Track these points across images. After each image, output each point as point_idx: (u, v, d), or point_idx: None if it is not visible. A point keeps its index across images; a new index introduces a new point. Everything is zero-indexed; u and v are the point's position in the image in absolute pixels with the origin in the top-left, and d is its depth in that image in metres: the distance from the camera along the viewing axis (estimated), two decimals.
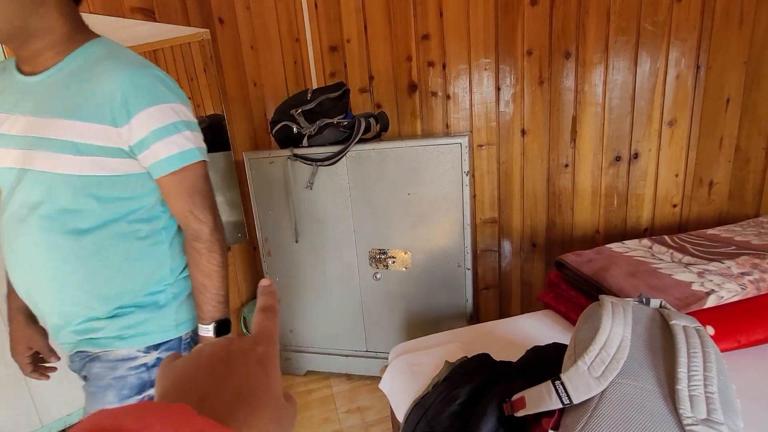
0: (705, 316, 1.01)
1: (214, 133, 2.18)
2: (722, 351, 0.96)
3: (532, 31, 1.86)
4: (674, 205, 1.88)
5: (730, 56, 1.67)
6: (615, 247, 1.36)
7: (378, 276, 1.70)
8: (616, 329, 0.70)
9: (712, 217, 1.83)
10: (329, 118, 1.58)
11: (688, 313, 0.94)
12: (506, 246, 2.15)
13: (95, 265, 0.75)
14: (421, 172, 1.53)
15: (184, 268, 0.87)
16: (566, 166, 1.97)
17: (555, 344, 0.98)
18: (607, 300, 0.77)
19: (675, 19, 1.71)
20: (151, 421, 0.17)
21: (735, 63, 1.67)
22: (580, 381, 0.68)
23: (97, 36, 0.78)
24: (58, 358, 0.93)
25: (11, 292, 0.86)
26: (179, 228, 0.87)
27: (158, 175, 0.76)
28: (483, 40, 1.92)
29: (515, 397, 0.74)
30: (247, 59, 2.11)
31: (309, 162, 1.60)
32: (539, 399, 0.70)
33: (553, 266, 2.05)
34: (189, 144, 0.77)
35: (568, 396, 0.67)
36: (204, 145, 0.82)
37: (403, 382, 1.09)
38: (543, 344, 1.01)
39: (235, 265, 2.20)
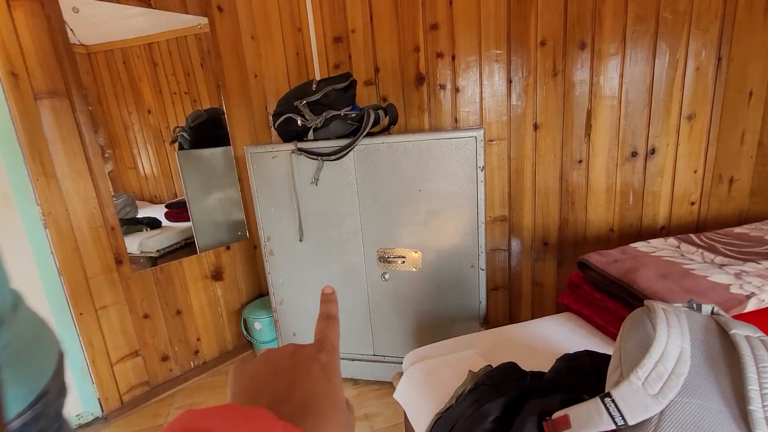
0: (745, 321, 0.93)
1: (213, 128, 2.08)
2: None
3: (546, 21, 1.78)
4: (692, 203, 1.81)
5: (754, 47, 1.60)
6: (640, 246, 1.28)
7: (386, 277, 1.62)
8: (674, 340, 0.63)
9: (732, 215, 1.76)
10: (335, 110, 1.49)
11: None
12: (516, 245, 2.07)
13: None
14: (433, 168, 1.45)
15: None
16: (580, 161, 1.89)
17: (588, 353, 0.90)
18: (657, 306, 0.70)
19: (696, 8, 1.64)
20: (238, 423, 0.18)
21: (759, 54, 1.60)
22: (635, 399, 0.60)
23: None
24: None
25: None
26: None
27: None
28: (494, 30, 1.84)
29: (557, 415, 0.66)
30: (247, 50, 2.02)
31: (314, 156, 1.52)
32: (587, 418, 0.62)
33: (566, 266, 1.98)
34: None
35: (621, 416, 0.59)
36: None
37: (421, 392, 1.01)
38: (572, 352, 0.94)
39: (235, 264, 2.11)
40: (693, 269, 1.09)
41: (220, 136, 2.08)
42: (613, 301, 1.12)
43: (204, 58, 2.00)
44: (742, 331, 0.65)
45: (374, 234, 1.58)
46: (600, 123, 1.83)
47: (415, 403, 1.01)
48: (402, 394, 1.07)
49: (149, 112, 1.95)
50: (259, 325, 2.00)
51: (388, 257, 1.59)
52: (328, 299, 0.35)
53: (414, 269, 1.58)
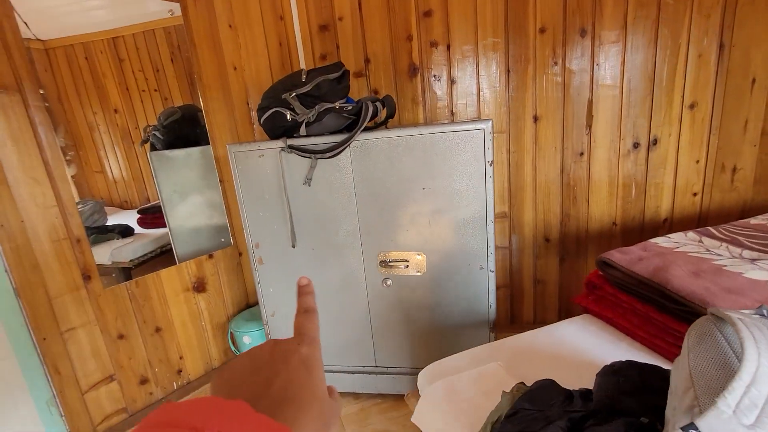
0: None
1: (189, 126, 1.91)
2: None
3: (546, 6, 1.70)
4: (694, 194, 1.78)
5: (757, 33, 1.56)
6: (661, 242, 1.21)
7: (388, 282, 1.50)
8: (766, 358, 0.54)
9: (735, 205, 1.74)
10: (329, 102, 1.35)
11: None
12: (517, 242, 2.00)
13: None
14: (438, 164, 1.34)
15: None
16: (581, 154, 1.83)
17: (632, 364, 0.81)
18: (732, 315, 0.61)
19: None
20: (212, 414, 0.18)
21: (761, 40, 1.56)
22: (726, 430, 0.51)
23: None
24: None
25: None
26: None
27: None
28: (491, 17, 1.75)
29: None
30: (225, 40, 1.85)
31: (306, 154, 1.38)
32: None
33: (568, 263, 1.90)
34: None
35: None
36: None
37: (444, 416, 0.90)
38: (610, 363, 0.85)
39: (219, 274, 1.95)
40: (724, 265, 1.02)
41: (197, 134, 1.91)
42: (643, 304, 1.05)
43: (174, 53, 1.83)
44: None
45: (374, 237, 1.46)
46: (601, 114, 1.76)
47: (440, 428, 0.90)
48: (422, 416, 0.96)
49: (116, 111, 1.78)
50: (249, 338, 1.84)
51: (389, 261, 1.48)
52: (304, 291, 0.35)
53: (418, 273, 1.47)
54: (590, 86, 1.74)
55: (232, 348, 1.96)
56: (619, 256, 1.14)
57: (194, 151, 1.92)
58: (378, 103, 1.37)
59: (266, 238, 1.55)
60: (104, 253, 1.68)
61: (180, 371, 1.83)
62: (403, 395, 1.61)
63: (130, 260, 1.77)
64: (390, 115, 1.45)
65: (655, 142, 1.75)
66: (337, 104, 1.34)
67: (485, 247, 1.39)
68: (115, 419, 1.63)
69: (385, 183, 1.39)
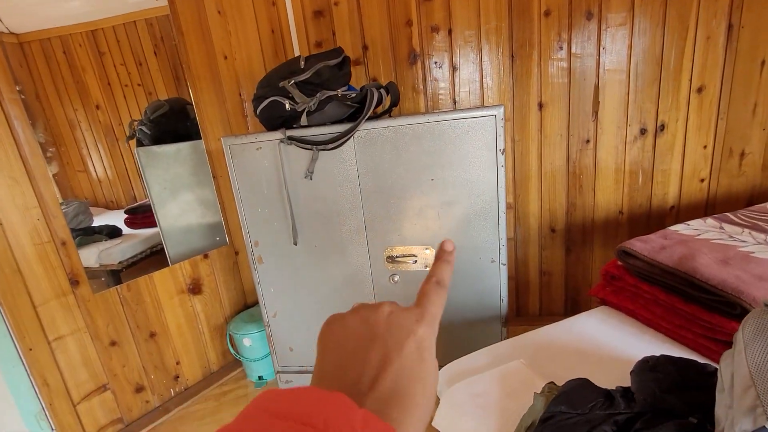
0: None
1: (178, 119, 1.81)
2: None
3: None
4: (702, 180, 1.75)
5: (766, 12, 1.53)
6: (682, 229, 1.17)
7: (395, 279, 1.44)
8: None
9: (743, 191, 1.72)
10: (330, 90, 1.28)
11: None
12: (522, 233, 1.95)
13: None
14: (448, 153, 1.27)
15: None
16: (587, 141, 1.78)
17: (667, 359, 0.77)
18: None
19: None
20: (314, 410, 0.18)
21: None
22: None
23: None
24: None
25: None
26: None
27: None
28: (494, 0, 1.68)
29: None
30: (214, 27, 1.75)
31: (308, 146, 1.30)
32: None
33: (574, 253, 1.84)
34: None
35: None
36: None
37: (468, 420, 0.85)
38: (643, 359, 0.80)
39: (215, 274, 1.86)
40: (752, 252, 0.99)
41: (186, 128, 1.81)
42: (667, 294, 1.00)
43: (158, 45, 1.73)
44: None
45: (380, 232, 1.40)
46: (608, 99, 1.72)
47: None
48: (443, 420, 0.90)
49: (98, 107, 1.68)
50: (249, 341, 1.77)
51: (396, 257, 1.41)
52: (445, 259, 0.30)
53: (426, 268, 1.41)
54: (596, 71, 1.69)
55: (232, 351, 1.88)
56: (640, 245, 1.09)
57: (184, 146, 1.82)
58: (382, 90, 1.29)
59: (266, 235, 1.47)
60: (91, 256, 1.58)
61: (177, 377, 1.75)
62: None
63: (119, 262, 1.67)
64: (394, 103, 1.38)
65: (663, 127, 1.71)
66: (339, 92, 1.26)
67: (497, 240, 1.34)
68: (111, 430, 1.55)
69: (392, 175, 1.33)
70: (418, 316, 0.25)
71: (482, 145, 1.25)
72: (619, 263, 1.15)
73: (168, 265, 1.72)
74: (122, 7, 1.65)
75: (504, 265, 1.36)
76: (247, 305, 2.01)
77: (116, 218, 1.76)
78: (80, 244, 1.53)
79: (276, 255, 1.49)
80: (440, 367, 1.06)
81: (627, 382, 0.79)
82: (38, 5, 1.56)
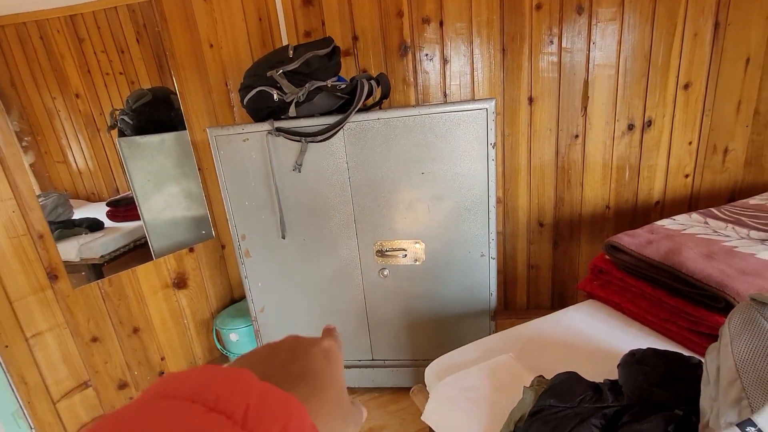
0: None
1: (162, 109, 1.75)
2: None
3: None
4: (686, 176, 1.78)
5: (752, 10, 1.55)
6: (667, 224, 1.19)
7: (385, 273, 1.43)
8: None
9: (726, 186, 1.75)
10: (319, 80, 1.25)
11: None
12: (511, 227, 1.96)
13: None
14: (438, 146, 1.26)
15: None
16: (576, 136, 1.79)
17: (655, 352, 0.78)
18: None
19: None
20: (210, 383, 0.18)
21: (757, 18, 1.55)
22: None
23: None
24: None
25: None
26: None
27: None
28: None
29: None
30: (199, 14, 1.69)
31: (296, 137, 1.27)
32: None
33: (561, 247, 1.87)
34: None
35: None
36: None
37: (459, 414, 0.85)
38: (629, 352, 0.81)
39: (201, 268, 1.83)
40: (735, 246, 1.00)
41: (170, 118, 1.76)
42: (653, 288, 1.02)
43: (140, 32, 1.67)
44: None
45: (370, 226, 1.38)
46: (597, 94, 1.73)
47: (454, 427, 0.84)
48: (433, 414, 0.90)
49: (77, 96, 1.62)
50: (236, 336, 1.74)
51: (386, 251, 1.40)
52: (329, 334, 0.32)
53: (416, 262, 1.40)
54: (586, 66, 1.70)
55: (218, 346, 1.85)
56: (627, 239, 1.10)
57: (168, 137, 1.77)
58: (373, 81, 1.27)
59: (253, 229, 1.44)
60: (71, 250, 1.53)
61: (162, 373, 1.72)
62: (402, 388, 1.56)
63: (101, 256, 1.62)
64: (385, 95, 1.36)
65: (650, 123, 1.73)
66: (329, 82, 1.23)
67: (486, 234, 1.34)
68: None
69: (382, 168, 1.31)
70: (323, 335, 0.30)
71: (473, 138, 1.24)
72: (607, 257, 1.16)
73: (152, 259, 1.68)
74: None
75: (493, 259, 1.36)
76: (234, 300, 1.98)
77: (98, 211, 1.71)
78: (59, 238, 1.48)
79: (264, 249, 1.46)
80: (429, 361, 1.06)
81: (614, 375, 0.79)
82: None
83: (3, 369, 1.29)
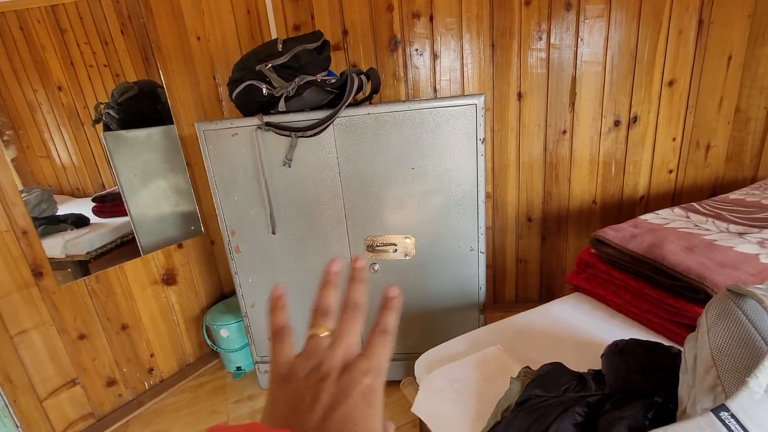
0: None
1: (148, 103, 1.72)
2: None
3: None
4: (670, 171, 1.82)
5: (734, 9, 1.58)
6: (650, 218, 1.22)
7: (376, 268, 1.44)
8: None
9: (707, 181, 1.80)
10: (309, 75, 1.24)
11: None
12: (500, 222, 1.98)
13: None
14: (428, 141, 1.27)
15: None
16: (564, 132, 1.82)
17: (636, 342, 0.80)
18: (754, 291, 0.59)
19: None
20: None
21: (739, 16, 1.58)
22: (760, 411, 0.49)
23: None
24: None
25: None
26: None
27: None
28: None
29: None
30: (186, 5, 1.67)
31: (286, 132, 1.27)
32: None
33: (549, 241, 1.90)
34: None
35: None
36: None
37: (448, 405, 0.86)
38: (613, 342, 0.83)
39: (190, 264, 1.81)
40: (715, 240, 1.03)
41: (157, 112, 1.73)
42: (636, 280, 1.04)
43: (125, 24, 1.64)
44: None
45: (360, 221, 1.39)
46: (585, 91, 1.75)
47: (443, 417, 0.86)
48: (423, 406, 0.92)
49: (60, 88, 1.58)
50: (226, 332, 1.74)
51: (376, 246, 1.41)
52: (389, 306, 0.30)
53: (406, 257, 1.42)
54: (574, 62, 1.72)
55: (208, 342, 1.84)
56: (612, 233, 1.13)
57: (155, 131, 1.74)
58: (363, 76, 1.27)
59: (243, 224, 1.44)
60: (56, 246, 1.51)
61: (152, 370, 1.71)
62: (392, 381, 1.58)
63: (87, 252, 1.60)
64: (375, 90, 1.36)
65: (635, 119, 1.76)
66: (319, 77, 1.23)
67: (475, 228, 1.35)
68: (81, 425, 1.50)
69: (372, 163, 1.31)
70: (366, 368, 0.26)
71: (462, 134, 1.25)
72: (593, 251, 1.19)
73: (140, 256, 1.66)
74: None
75: (483, 253, 1.38)
76: (224, 295, 1.97)
77: (83, 206, 1.68)
78: (44, 234, 1.45)
79: (254, 244, 1.46)
80: (419, 354, 1.08)
81: (599, 365, 0.82)
82: None
83: None
